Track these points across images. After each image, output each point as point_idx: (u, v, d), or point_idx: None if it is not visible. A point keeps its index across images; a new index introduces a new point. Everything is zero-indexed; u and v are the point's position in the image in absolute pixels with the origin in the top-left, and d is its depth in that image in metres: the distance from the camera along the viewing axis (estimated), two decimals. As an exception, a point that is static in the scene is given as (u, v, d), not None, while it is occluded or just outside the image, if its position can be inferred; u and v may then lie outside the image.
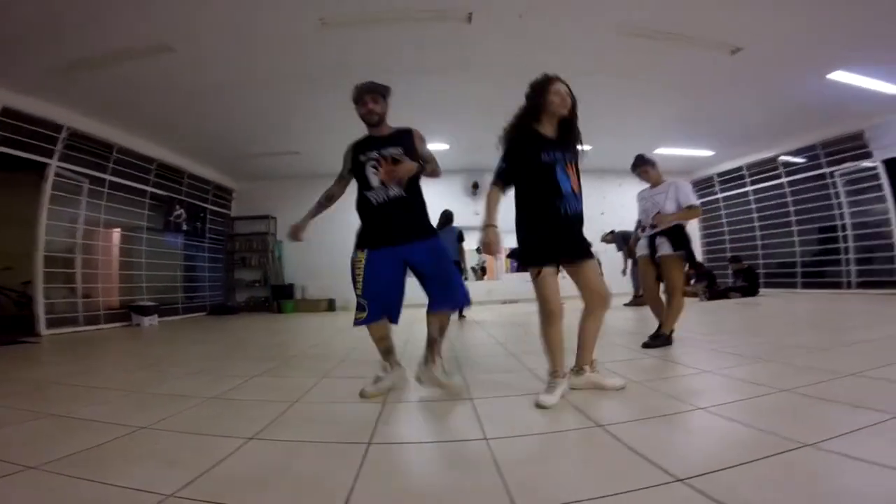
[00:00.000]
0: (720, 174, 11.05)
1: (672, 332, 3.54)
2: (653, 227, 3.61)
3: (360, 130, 2.54)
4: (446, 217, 6.39)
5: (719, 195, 11.12)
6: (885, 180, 7.56)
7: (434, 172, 2.46)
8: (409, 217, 2.37)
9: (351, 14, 4.53)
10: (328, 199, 2.65)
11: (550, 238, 2.11)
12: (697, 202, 3.59)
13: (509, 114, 2.30)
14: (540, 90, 2.17)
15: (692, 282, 8.70)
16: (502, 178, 2.19)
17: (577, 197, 2.15)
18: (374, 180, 2.34)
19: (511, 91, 6.95)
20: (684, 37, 4.98)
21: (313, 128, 7.61)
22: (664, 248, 3.56)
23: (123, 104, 6.28)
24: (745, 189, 10.41)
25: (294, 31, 4.75)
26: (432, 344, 2.35)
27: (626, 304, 7.52)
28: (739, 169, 10.51)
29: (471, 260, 9.30)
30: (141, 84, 5.69)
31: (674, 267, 3.56)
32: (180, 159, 8.78)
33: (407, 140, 2.42)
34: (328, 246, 10.70)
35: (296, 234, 2.62)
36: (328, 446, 1.64)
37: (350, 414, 2.04)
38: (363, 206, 2.40)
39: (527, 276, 2.18)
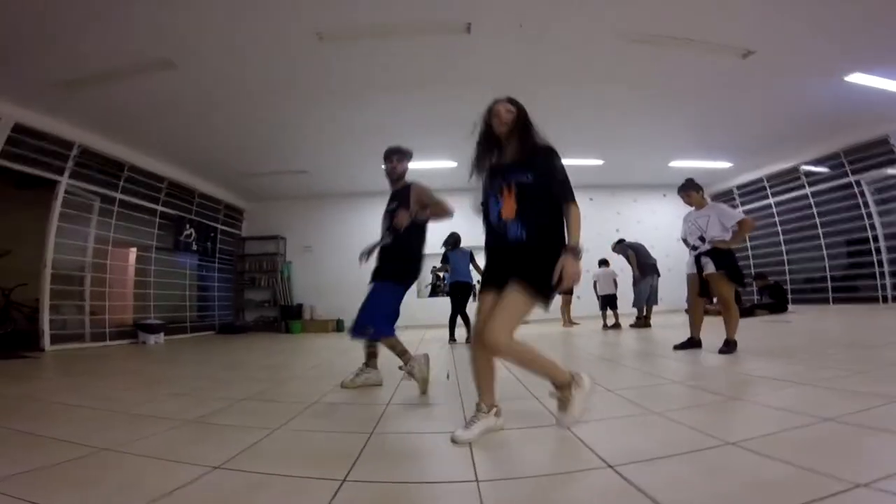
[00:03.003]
0: (739, 186, 10.71)
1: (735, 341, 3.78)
2: (695, 248, 4.03)
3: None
4: (454, 240, 6.21)
5: (740, 208, 10.69)
6: (916, 187, 7.18)
7: (440, 213, 2.92)
8: (382, 263, 2.98)
9: (348, 28, 4.46)
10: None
11: (488, 269, 2.00)
12: (741, 215, 3.98)
13: None
14: (484, 120, 2.06)
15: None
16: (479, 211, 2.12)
17: (508, 225, 1.86)
18: (382, 229, 3.00)
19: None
20: (692, 41, 4.79)
21: (320, 146, 7.58)
22: (709, 266, 3.91)
23: (132, 121, 6.33)
24: (767, 201, 10.05)
25: (292, 46, 4.71)
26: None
27: (631, 326, 7.22)
28: (759, 180, 10.18)
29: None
30: (147, 101, 5.72)
31: (720, 283, 3.88)
32: (191, 178, 8.82)
33: (404, 195, 2.91)
34: (336, 266, 10.65)
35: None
36: (297, 481, 1.44)
37: (331, 445, 1.83)
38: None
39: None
